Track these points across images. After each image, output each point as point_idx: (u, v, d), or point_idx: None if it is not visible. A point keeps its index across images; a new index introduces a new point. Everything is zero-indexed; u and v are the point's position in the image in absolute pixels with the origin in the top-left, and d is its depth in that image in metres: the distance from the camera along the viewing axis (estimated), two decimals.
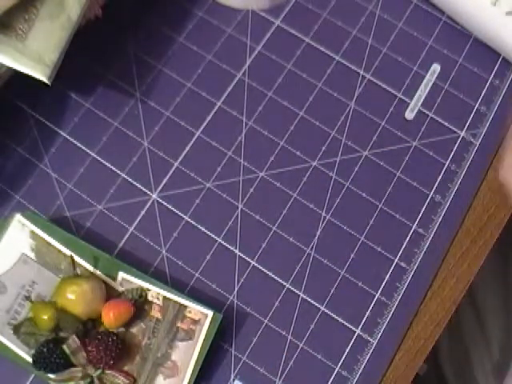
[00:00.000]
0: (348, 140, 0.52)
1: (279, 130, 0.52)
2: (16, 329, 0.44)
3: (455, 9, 0.54)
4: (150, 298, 0.46)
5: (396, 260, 0.49)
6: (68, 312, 0.43)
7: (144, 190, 0.50)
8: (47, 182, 0.50)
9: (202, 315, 0.45)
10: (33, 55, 0.44)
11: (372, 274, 0.48)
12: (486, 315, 0.67)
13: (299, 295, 0.47)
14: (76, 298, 0.43)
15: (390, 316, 0.47)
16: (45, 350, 0.43)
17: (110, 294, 0.45)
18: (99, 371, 0.43)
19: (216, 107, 0.52)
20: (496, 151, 0.52)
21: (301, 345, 0.46)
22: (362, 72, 0.54)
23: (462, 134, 0.52)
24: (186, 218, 0.49)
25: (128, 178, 0.50)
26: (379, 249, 0.49)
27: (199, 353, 0.44)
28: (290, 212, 0.50)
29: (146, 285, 0.46)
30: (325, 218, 0.49)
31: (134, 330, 0.45)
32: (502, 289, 0.66)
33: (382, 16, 0.55)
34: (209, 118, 0.52)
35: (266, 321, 0.47)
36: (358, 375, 0.46)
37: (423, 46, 0.55)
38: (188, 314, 0.45)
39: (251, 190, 0.50)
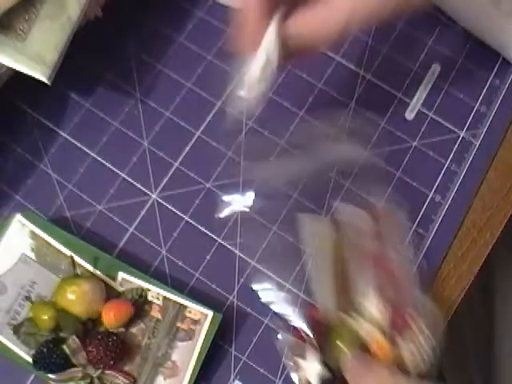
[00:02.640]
0: (348, 140, 0.52)
1: (279, 130, 0.52)
2: (16, 329, 0.44)
3: (455, 9, 0.54)
4: (149, 298, 0.46)
5: None
6: (68, 312, 0.43)
7: (144, 190, 0.50)
8: (47, 182, 0.50)
9: (201, 315, 0.45)
10: (33, 55, 0.44)
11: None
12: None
13: (299, 295, 0.47)
14: (76, 298, 0.43)
15: None
16: (45, 350, 0.43)
17: (110, 294, 0.45)
18: (99, 371, 0.43)
19: (216, 107, 0.52)
20: (496, 151, 0.52)
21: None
22: (362, 72, 0.54)
23: (462, 134, 0.52)
24: (186, 218, 0.49)
25: (128, 178, 0.50)
26: None
27: (199, 353, 0.44)
28: (290, 212, 0.49)
29: (145, 285, 0.46)
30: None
31: (134, 330, 0.45)
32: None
33: None
34: (209, 118, 0.52)
35: (266, 321, 0.47)
36: None
37: (423, 46, 0.55)
38: (188, 314, 0.45)
39: (251, 190, 0.50)
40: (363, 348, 0.42)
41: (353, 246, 0.45)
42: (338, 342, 0.42)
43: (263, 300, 0.46)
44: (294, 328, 0.44)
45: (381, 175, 0.49)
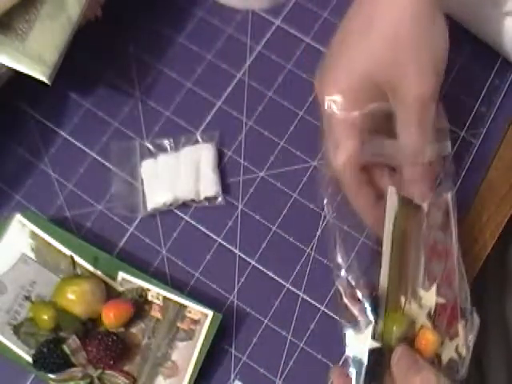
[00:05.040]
0: None
1: (279, 130, 0.52)
2: (16, 329, 0.44)
3: (455, 9, 0.54)
4: (150, 298, 0.46)
5: None
6: (68, 312, 0.44)
7: None
8: (47, 182, 0.50)
9: (202, 315, 0.45)
10: (33, 55, 0.44)
11: (373, 274, 0.48)
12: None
13: (299, 295, 0.47)
14: (76, 298, 0.43)
15: None
16: (45, 349, 0.43)
17: (110, 294, 0.45)
18: (99, 371, 0.43)
19: (216, 107, 0.52)
20: (496, 151, 0.52)
21: (301, 345, 0.46)
22: None
23: (462, 134, 0.52)
24: (186, 218, 0.49)
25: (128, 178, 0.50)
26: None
27: (199, 353, 0.44)
28: (289, 212, 0.50)
29: (146, 285, 0.46)
30: (325, 217, 0.49)
31: (134, 330, 0.45)
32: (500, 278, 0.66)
33: None
34: (209, 117, 0.52)
35: (266, 321, 0.47)
36: None
37: None
38: (188, 314, 0.45)
39: (251, 190, 0.50)
40: (409, 340, 0.42)
41: (425, 236, 0.45)
42: (395, 328, 0.41)
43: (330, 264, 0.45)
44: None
45: None
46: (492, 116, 0.53)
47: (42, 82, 0.45)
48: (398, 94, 0.41)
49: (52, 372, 0.43)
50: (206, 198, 0.49)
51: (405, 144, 0.42)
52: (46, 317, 0.43)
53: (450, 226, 0.45)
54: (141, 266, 0.47)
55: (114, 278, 0.46)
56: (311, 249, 0.49)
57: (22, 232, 0.47)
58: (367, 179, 0.44)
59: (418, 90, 0.40)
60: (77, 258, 0.46)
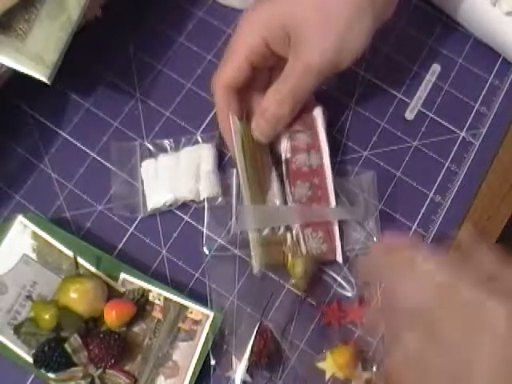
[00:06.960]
0: (348, 140, 0.52)
1: None
2: (17, 329, 0.44)
3: (455, 9, 0.54)
4: (151, 298, 0.46)
5: None
6: (70, 310, 0.43)
7: None
8: (47, 182, 0.50)
9: (202, 316, 0.45)
10: (33, 55, 0.44)
11: None
12: None
13: (299, 295, 0.47)
14: (78, 297, 0.43)
15: None
16: (46, 349, 0.43)
17: (112, 294, 0.45)
18: (100, 371, 0.43)
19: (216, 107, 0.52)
20: (496, 151, 0.52)
21: (301, 345, 0.46)
22: (362, 72, 0.54)
23: (462, 134, 0.52)
24: (186, 218, 0.49)
25: (128, 178, 0.50)
26: None
27: (200, 353, 0.44)
28: None
29: (147, 286, 0.46)
30: None
31: (135, 330, 0.45)
32: None
33: None
34: (209, 117, 0.52)
35: (266, 321, 0.47)
36: None
37: (423, 46, 0.55)
38: (189, 315, 0.45)
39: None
40: None
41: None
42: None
43: None
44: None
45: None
46: (492, 116, 0.53)
47: (42, 82, 0.45)
48: (294, 52, 0.44)
49: (53, 371, 0.43)
50: (206, 198, 0.49)
51: (268, 97, 0.46)
52: (47, 316, 0.43)
53: (319, 146, 0.48)
54: (141, 267, 0.47)
55: (116, 279, 0.46)
56: None
57: (23, 233, 0.47)
58: (239, 100, 0.47)
59: (310, 59, 0.44)
60: (79, 259, 0.46)
